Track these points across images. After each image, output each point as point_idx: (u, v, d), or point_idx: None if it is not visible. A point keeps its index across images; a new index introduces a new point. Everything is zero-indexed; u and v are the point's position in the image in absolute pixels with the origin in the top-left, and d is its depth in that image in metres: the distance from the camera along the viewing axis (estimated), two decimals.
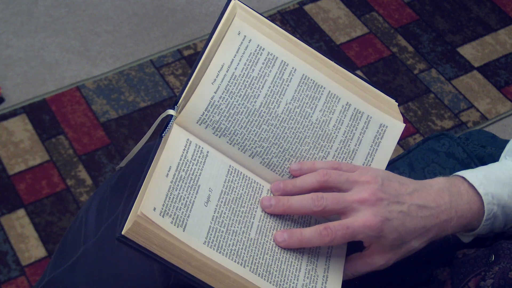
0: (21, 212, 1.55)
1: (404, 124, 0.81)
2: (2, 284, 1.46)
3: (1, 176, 1.60)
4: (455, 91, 1.84)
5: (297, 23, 1.94)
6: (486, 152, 0.94)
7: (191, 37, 1.89)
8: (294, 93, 0.77)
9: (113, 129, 1.70)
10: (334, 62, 0.80)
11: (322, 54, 0.80)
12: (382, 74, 1.86)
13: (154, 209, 0.67)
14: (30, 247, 1.51)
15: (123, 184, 0.88)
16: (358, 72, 1.86)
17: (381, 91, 0.82)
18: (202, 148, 0.74)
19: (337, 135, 0.78)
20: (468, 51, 1.93)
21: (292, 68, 0.78)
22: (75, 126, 1.70)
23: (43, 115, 1.71)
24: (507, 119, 1.80)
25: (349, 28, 1.95)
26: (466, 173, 0.76)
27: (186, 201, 0.70)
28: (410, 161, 0.95)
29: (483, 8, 2.03)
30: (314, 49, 0.80)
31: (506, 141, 0.90)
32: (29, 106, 1.72)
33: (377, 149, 0.79)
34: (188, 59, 1.84)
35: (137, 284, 0.82)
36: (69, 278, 0.87)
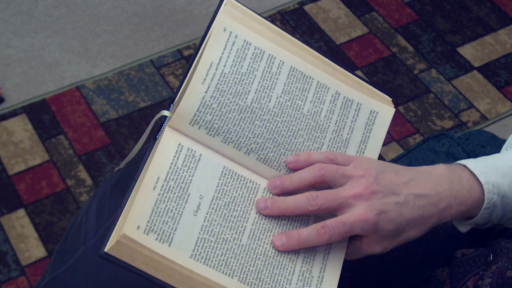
0: (21, 212, 1.55)
1: (394, 109, 0.81)
2: (2, 284, 1.46)
3: (1, 176, 1.61)
4: (455, 91, 1.84)
5: (297, 23, 1.94)
6: (486, 152, 0.94)
7: (191, 37, 1.89)
8: (284, 86, 0.77)
9: (113, 129, 1.70)
10: (323, 55, 0.80)
11: (308, 45, 0.80)
12: (382, 74, 1.86)
13: (138, 227, 0.66)
14: (30, 247, 1.51)
15: (123, 184, 0.88)
16: (358, 72, 1.86)
17: (369, 83, 0.81)
18: (195, 152, 0.73)
19: (329, 125, 0.78)
20: (468, 51, 1.93)
21: (280, 61, 0.78)
22: (75, 126, 1.70)
23: (43, 115, 1.71)
24: (507, 119, 1.80)
25: (349, 28, 1.95)
26: (468, 162, 0.76)
27: (174, 213, 0.69)
28: (410, 161, 0.95)
29: (483, 8, 2.03)
30: (300, 41, 0.80)
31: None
32: (29, 106, 1.72)
33: (369, 136, 0.79)
34: (188, 59, 1.84)
35: (137, 284, 0.82)
36: (70, 278, 0.87)
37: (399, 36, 1.94)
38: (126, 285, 0.83)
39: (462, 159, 0.78)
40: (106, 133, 1.69)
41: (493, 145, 0.95)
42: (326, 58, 0.80)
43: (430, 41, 1.94)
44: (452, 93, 1.83)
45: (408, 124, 1.75)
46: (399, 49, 1.91)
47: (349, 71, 0.81)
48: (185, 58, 1.84)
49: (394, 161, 0.96)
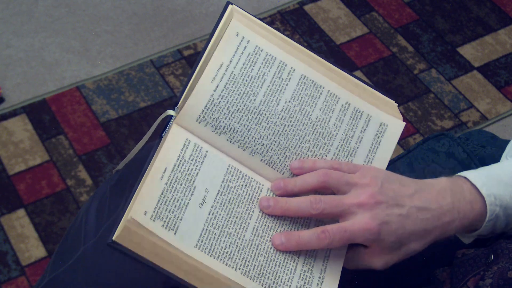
0: (21, 212, 1.55)
1: (404, 123, 0.81)
2: (2, 284, 1.46)
3: (1, 176, 1.61)
4: (455, 91, 1.84)
5: (297, 23, 1.94)
6: (486, 152, 0.94)
7: (191, 37, 1.89)
8: (293, 92, 0.78)
9: (113, 129, 1.70)
10: (332, 64, 0.81)
11: (319, 56, 0.81)
12: (382, 74, 1.86)
13: (145, 213, 0.67)
14: (30, 247, 1.51)
15: (123, 184, 0.88)
16: (358, 72, 1.86)
17: (381, 92, 0.82)
18: (201, 147, 0.74)
19: (337, 133, 0.78)
20: (468, 51, 1.93)
21: (291, 68, 0.78)
22: (75, 126, 1.70)
23: (43, 115, 1.71)
24: (507, 119, 1.80)
25: (349, 28, 1.95)
26: (469, 174, 0.76)
27: (180, 203, 0.70)
28: (410, 161, 0.95)
29: (483, 8, 2.03)
30: (312, 51, 0.80)
31: (506, 141, 0.91)
32: (29, 106, 1.72)
33: (377, 147, 0.79)
34: (188, 59, 1.84)
35: (138, 284, 0.82)
36: (70, 278, 0.87)
37: (399, 36, 1.94)
38: (126, 285, 0.83)
39: (462, 159, 0.78)
40: (106, 133, 1.69)
41: (493, 145, 0.95)
42: (338, 67, 0.81)
43: (430, 41, 1.94)
44: (452, 93, 1.83)
45: (408, 124, 1.75)
46: (399, 49, 1.91)
47: (357, 78, 0.81)
48: (185, 58, 1.84)
49: (394, 161, 0.96)
